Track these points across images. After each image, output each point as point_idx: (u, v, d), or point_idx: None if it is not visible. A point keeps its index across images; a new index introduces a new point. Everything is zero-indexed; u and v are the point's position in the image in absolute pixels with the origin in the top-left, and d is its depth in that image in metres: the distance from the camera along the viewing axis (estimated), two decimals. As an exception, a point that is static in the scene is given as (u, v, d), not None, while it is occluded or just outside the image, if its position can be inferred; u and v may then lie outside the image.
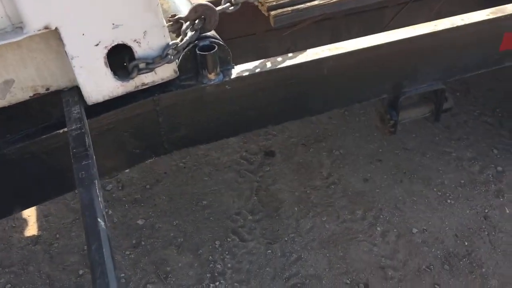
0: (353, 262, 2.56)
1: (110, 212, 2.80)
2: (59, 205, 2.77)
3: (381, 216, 2.79)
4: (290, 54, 1.69)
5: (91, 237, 1.08)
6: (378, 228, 2.73)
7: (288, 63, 1.66)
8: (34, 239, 2.59)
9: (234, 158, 3.18)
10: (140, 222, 2.74)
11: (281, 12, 1.94)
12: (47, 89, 1.44)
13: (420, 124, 3.33)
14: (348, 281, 2.48)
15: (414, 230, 2.70)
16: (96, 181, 1.18)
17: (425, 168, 3.05)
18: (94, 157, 1.28)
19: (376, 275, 2.51)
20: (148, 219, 2.76)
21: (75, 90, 1.46)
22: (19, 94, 1.41)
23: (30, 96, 1.43)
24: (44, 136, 1.45)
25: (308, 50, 1.70)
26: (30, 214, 2.73)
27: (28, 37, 1.29)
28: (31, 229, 2.65)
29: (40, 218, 2.71)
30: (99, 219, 1.11)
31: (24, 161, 1.46)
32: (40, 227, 2.66)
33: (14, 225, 2.65)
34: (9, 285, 2.38)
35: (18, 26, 1.28)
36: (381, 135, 3.27)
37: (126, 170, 2.91)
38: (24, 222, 2.68)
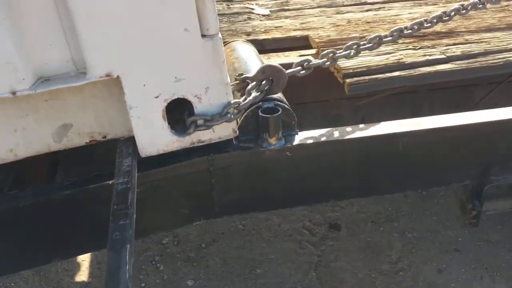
0: None
1: (161, 267, 2.71)
2: (113, 253, 2.73)
3: (455, 316, 2.45)
4: (361, 125, 1.55)
5: None
6: (450, 330, 2.39)
7: (358, 134, 1.51)
8: (83, 285, 2.55)
9: (296, 227, 3.01)
10: (189, 283, 2.62)
11: (357, 81, 1.82)
12: (104, 136, 1.40)
13: (509, 215, 2.97)
14: None
15: None
16: (128, 246, 1.08)
17: (510, 266, 2.67)
18: (134, 217, 1.19)
19: None
20: (198, 281, 2.63)
21: (131, 141, 1.41)
22: (75, 139, 1.38)
23: (86, 142, 1.40)
24: (92, 186, 1.39)
25: (382, 123, 1.55)
26: (84, 259, 2.71)
27: (91, 82, 1.28)
28: (83, 275, 2.62)
29: (93, 264, 2.68)
30: None
31: (70, 209, 1.41)
32: (91, 274, 2.63)
33: (67, 268, 2.64)
34: (49, 331, 2.32)
35: (81, 72, 1.27)
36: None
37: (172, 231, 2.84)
38: (77, 266, 2.66)
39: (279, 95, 1.53)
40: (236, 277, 2.67)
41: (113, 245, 1.09)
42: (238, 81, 1.50)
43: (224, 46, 2.00)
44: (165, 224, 1.55)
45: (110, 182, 1.39)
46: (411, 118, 1.63)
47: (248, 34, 2.22)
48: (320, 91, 2.13)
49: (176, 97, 1.33)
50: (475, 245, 2.84)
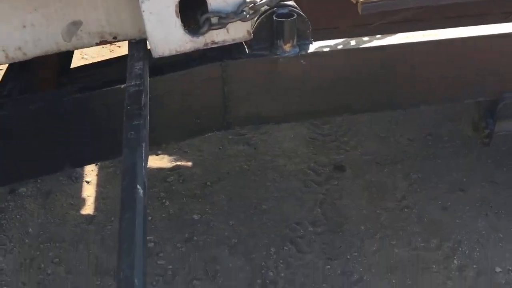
0: (422, 294, 2.26)
1: (167, 203, 2.71)
2: (118, 189, 2.72)
3: (460, 249, 2.47)
4: (378, 36, 1.51)
5: (126, 205, 0.94)
6: (455, 262, 2.41)
7: (375, 43, 1.48)
8: (89, 219, 2.56)
9: (301, 168, 3.00)
10: (195, 217, 2.62)
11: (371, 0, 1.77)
12: (115, 37, 1.36)
13: (514, 157, 2.98)
14: (414, 314, 2.19)
15: (498, 269, 2.35)
16: (144, 144, 1.06)
17: (515, 205, 2.69)
18: (148, 118, 1.16)
19: (448, 312, 2.19)
20: (204, 215, 2.63)
21: (142, 44, 1.38)
22: (85, 38, 1.34)
23: (96, 43, 1.36)
24: (104, 90, 1.37)
25: (399, 34, 1.52)
26: (89, 194, 2.71)
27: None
28: (88, 209, 2.62)
29: (98, 199, 2.68)
30: (138, 186, 0.97)
31: (81, 114, 1.39)
32: (96, 208, 2.63)
33: (72, 202, 2.64)
34: (57, 259, 2.34)
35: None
36: (468, 166, 2.96)
37: (183, 141, 2.82)
38: (82, 201, 2.66)
39: (292, 2, 1.49)
40: (242, 213, 2.67)
41: (129, 143, 1.07)
42: (253, -17, 1.45)
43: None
44: (177, 134, 1.53)
45: (122, 86, 1.36)
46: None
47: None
48: (331, 18, 2.08)
49: None
50: (480, 186, 2.84)
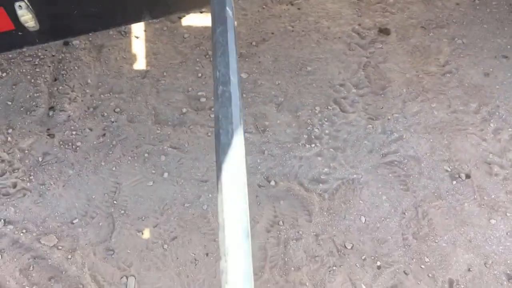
0: (457, 152, 2.42)
1: (215, 61, 2.78)
2: (167, 46, 2.79)
3: (497, 113, 2.57)
4: None
5: (217, 21, 1.04)
6: (492, 125, 2.53)
7: None
8: (143, 73, 2.66)
9: (345, 30, 2.99)
10: (243, 75, 2.71)
11: None
12: None
13: None
14: (448, 169, 2.37)
15: (533, 133, 2.47)
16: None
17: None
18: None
19: (480, 169, 2.37)
20: (252, 74, 2.72)
21: None
22: None
23: None
24: None
25: None
26: (140, 49, 2.78)
27: None
28: (141, 64, 2.71)
29: (149, 54, 2.76)
30: (227, 8, 1.05)
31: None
32: (149, 63, 2.72)
33: (124, 56, 2.72)
34: (118, 109, 2.50)
35: None
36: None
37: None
38: (134, 56, 2.74)
39: None
40: (287, 72, 2.75)
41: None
42: None
43: None
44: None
45: None
46: None
47: None
48: None
49: None
50: (524, 53, 2.84)
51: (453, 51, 2.88)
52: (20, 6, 1.40)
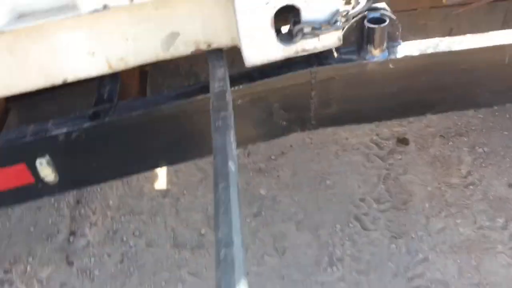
0: (487, 275, 2.30)
1: (234, 177, 2.81)
2: (189, 164, 2.84)
3: (527, 229, 2.48)
4: (468, 36, 1.48)
5: (219, 177, 1.04)
6: (522, 242, 2.42)
7: (465, 46, 1.45)
8: (163, 192, 2.70)
9: (363, 141, 3.01)
10: (262, 192, 2.72)
11: (457, -12, 1.72)
12: (209, 45, 1.40)
13: None
14: (480, 294, 2.24)
15: None
16: (232, 130, 1.13)
17: None
18: (232, 115, 1.23)
19: (514, 294, 2.23)
20: (270, 190, 2.73)
21: (220, 54, 1.42)
22: (181, 48, 1.39)
23: (191, 52, 1.41)
24: (195, 98, 1.43)
25: (491, 33, 1.48)
26: (162, 168, 2.83)
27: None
28: (161, 182, 2.76)
29: (170, 172, 2.81)
30: (229, 162, 1.07)
31: (177, 118, 1.46)
32: (169, 181, 2.76)
33: (146, 176, 2.78)
34: (137, 232, 2.50)
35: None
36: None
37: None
38: (156, 174, 2.79)
39: (383, 4, 1.47)
40: (307, 187, 2.74)
41: (217, 129, 1.15)
42: (345, -11, 1.44)
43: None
44: (263, 134, 1.58)
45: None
46: (503, 28, 1.54)
47: None
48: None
49: (286, 3, 1.29)
50: (549, 161, 2.79)
51: (474, 161, 2.84)
52: (41, 162, 1.46)
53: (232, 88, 1.40)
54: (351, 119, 1.57)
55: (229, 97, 1.26)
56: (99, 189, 2.68)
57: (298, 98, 1.49)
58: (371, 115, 1.57)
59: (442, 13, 2.05)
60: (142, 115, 1.39)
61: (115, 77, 1.51)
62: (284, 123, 1.53)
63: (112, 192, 2.68)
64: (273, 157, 2.93)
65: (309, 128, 1.57)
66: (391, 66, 1.44)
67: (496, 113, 3.13)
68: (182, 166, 2.83)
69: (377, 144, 2.98)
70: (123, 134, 1.43)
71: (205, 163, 2.85)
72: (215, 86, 1.30)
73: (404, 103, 1.54)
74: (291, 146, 3.00)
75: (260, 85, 1.43)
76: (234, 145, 1.12)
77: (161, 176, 2.77)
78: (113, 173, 1.56)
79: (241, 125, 1.35)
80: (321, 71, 1.43)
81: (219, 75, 1.34)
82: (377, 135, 3.05)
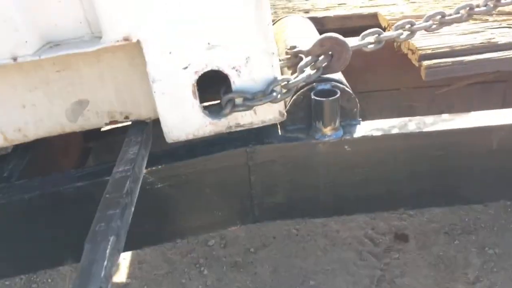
0: None
1: (205, 271, 2.49)
2: (156, 253, 2.55)
3: None
4: (444, 115, 1.22)
5: None
6: None
7: (440, 127, 1.19)
8: (122, 286, 2.39)
9: (356, 235, 2.68)
10: (234, 291, 2.38)
11: (437, 64, 1.49)
12: (126, 117, 1.18)
13: None
14: None
15: None
16: (112, 238, 0.86)
17: None
18: (132, 208, 0.96)
19: None
20: (244, 290, 2.38)
21: (143, 127, 1.19)
22: (93, 119, 1.17)
23: (105, 123, 1.18)
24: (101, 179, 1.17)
25: (473, 113, 1.22)
26: (125, 257, 2.55)
27: (109, 51, 1.06)
28: (122, 275, 2.46)
29: (134, 263, 2.51)
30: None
31: (82, 202, 1.20)
32: (131, 274, 2.46)
33: (106, 265, 2.48)
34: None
35: (97, 36, 1.05)
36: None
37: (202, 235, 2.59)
38: (117, 265, 2.49)
39: (338, 76, 1.24)
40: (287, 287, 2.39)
41: (93, 236, 0.88)
42: (289, 56, 1.23)
43: (276, 22, 1.73)
44: (195, 227, 1.30)
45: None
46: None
47: (307, 11, 1.93)
48: (389, 78, 1.81)
49: (210, 68, 1.08)
50: None
51: (484, 264, 2.46)
52: None
53: (151, 169, 1.15)
54: (302, 211, 1.28)
55: (132, 186, 1.01)
56: (49, 280, 2.39)
57: (235, 184, 1.22)
58: (328, 208, 1.28)
59: (428, 93, 1.82)
60: (36, 197, 1.14)
61: (24, 151, 1.29)
62: (219, 213, 1.25)
63: (64, 283, 2.38)
64: (252, 249, 2.62)
65: (252, 221, 1.28)
66: (346, 148, 1.18)
67: (509, 209, 2.80)
68: (148, 257, 2.53)
69: (372, 240, 2.65)
70: (14, 220, 1.17)
71: (174, 253, 2.55)
72: (118, 170, 1.05)
73: (368, 195, 1.25)
74: (274, 237, 2.69)
75: (185, 166, 1.18)
76: (109, 262, 0.84)
77: (123, 268, 2.48)
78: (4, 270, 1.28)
79: (161, 215, 1.08)
80: (259, 151, 1.17)
81: (129, 155, 1.09)
82: (373, 229, 2.72)
